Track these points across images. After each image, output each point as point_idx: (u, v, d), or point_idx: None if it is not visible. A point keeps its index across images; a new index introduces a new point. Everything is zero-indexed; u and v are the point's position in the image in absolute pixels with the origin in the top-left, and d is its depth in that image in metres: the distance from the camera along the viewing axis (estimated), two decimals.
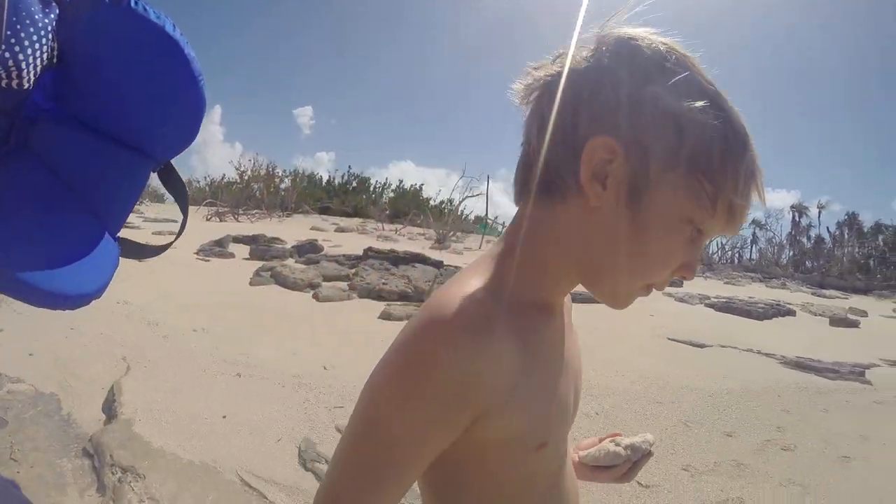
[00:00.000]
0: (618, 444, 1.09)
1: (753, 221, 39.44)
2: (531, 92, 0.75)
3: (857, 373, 8.06)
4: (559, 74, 0.71)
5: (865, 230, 41.40)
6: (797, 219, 43.14)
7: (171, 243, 0.84)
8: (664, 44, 0.70)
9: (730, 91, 0.70)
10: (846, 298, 24.78)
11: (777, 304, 14.80)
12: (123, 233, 0.77)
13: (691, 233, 0.72)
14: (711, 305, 13.26)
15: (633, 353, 6.98)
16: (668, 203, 0.70)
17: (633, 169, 0.68)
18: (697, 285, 18.42)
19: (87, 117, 0.70)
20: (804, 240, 42.34)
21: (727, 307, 13.14)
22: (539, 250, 0.75)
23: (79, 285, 0.66)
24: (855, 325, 14.49)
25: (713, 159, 0.68)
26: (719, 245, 37.45)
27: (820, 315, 15.46)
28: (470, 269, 0.76)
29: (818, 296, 24.47)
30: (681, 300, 13.67)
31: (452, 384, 0.65)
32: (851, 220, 42.46)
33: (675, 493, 3.65)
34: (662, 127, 0.67)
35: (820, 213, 43.49)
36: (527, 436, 0.75)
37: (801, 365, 8.15)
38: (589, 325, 8.27)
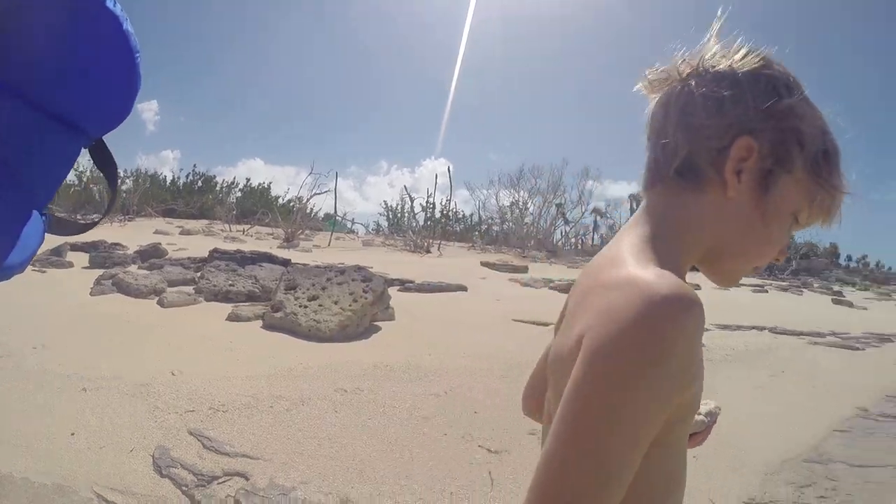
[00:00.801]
0: (699, 413, 1.17)
1: (594, 210, 41.80)
2: (665, 91, 0.87)
3: None
4: (692, 77, 0.83)
5: None
6: (634, 206, 46.29)
7: (99, 221, 0.86)
8: (780, 64, 0.84)
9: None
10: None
11: None
12: None
13: (792, 223, 0.86)
14: (555, 288, 13.94)
15: (480, 336, 7.34)
16: (786, 198, 0.83)
17: (765, 167, 0.81)
18: (543, 271, 19.26)
19: (19, 87, 0.69)
20: None
21: (570, 288, 13.88)
22: (679, 233, 0.83)
23: (2, 258, 0.67)
24: None
25: (822, 166, 0.82)
26: (563, 234, 39.39)
27: None
28: (624, 250, 0.80)
29: None
30: (526, 285, 14.30)
31: (688, 354, 0.68)
32: None
33: (524, 456, 3.94)
34: (793, 135, 0.80)
35: None
36: (698, 401, 0.80)
37: None
38: (441, 315, 8.58)
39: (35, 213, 0.73)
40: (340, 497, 3.22)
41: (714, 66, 0.82)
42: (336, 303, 6.70)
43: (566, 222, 39.52)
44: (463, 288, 11.62)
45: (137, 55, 0.74)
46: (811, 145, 0.80)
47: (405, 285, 10.91)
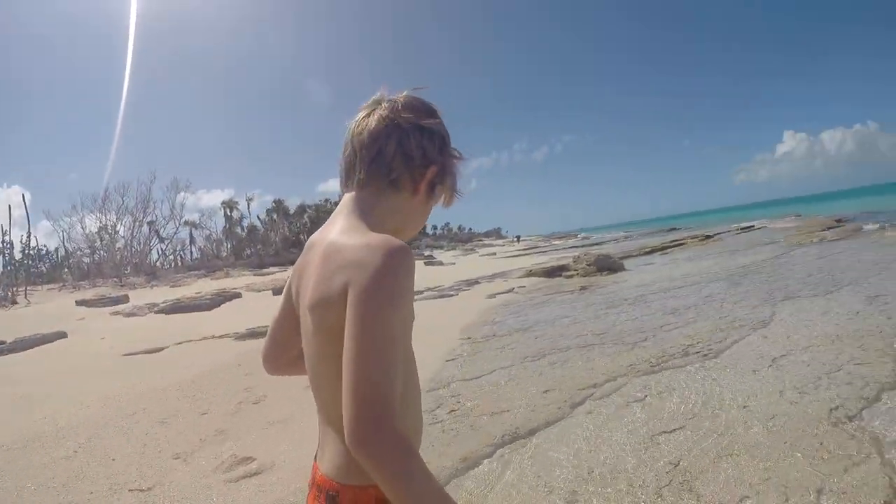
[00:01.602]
0: None
1: (187, 223, 41.03)
2: (378, 126, 1.26)
3: None
4: (404, 123, 1.27)
5: (292, 212, 47.69)
6: (229, 213, 46.28)
7: None
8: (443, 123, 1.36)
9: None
10: (284, 270, 27.98)
11: (223, 293, 16.09)
12: None
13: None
14: (161, 311, 13.68)
15: (95, 381, 7.01)
16: (439, 198, 1.35)
17: (435, 182, 1.30)
18: (146, 296, 18.61)
19: None
20: (239, 230, 45.81)
21: (176, 308, 13.75)
22: (384, 215, 1.26)
23: None
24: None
25: (453, 183, 1.35)
26: (160, 252, 38.01)
27: (263, 290, 17.43)
28: (356, 223, 1.22)
29: (260, 275, 27.04)
30: (130, 314, 13.73)
31: (413, 278, 1.11)
32: (278, 206, 48.15)
33: (176, 483, 3.98)
34: (449, 166, 1.32)
35: (249, 204, 47.46)
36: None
37: (253, 334, 9.52)
38: (43, 371, 8.06)
39: None
40: None
41: (418, 120, 1.29)
42: None
43: (161, 240, 38.20)
44: (62, 335, 10.76)
45: None
46: (454, 171, 1.36)
47: None
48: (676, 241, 26.15)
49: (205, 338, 9.71)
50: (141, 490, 3.92)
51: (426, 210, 1.37)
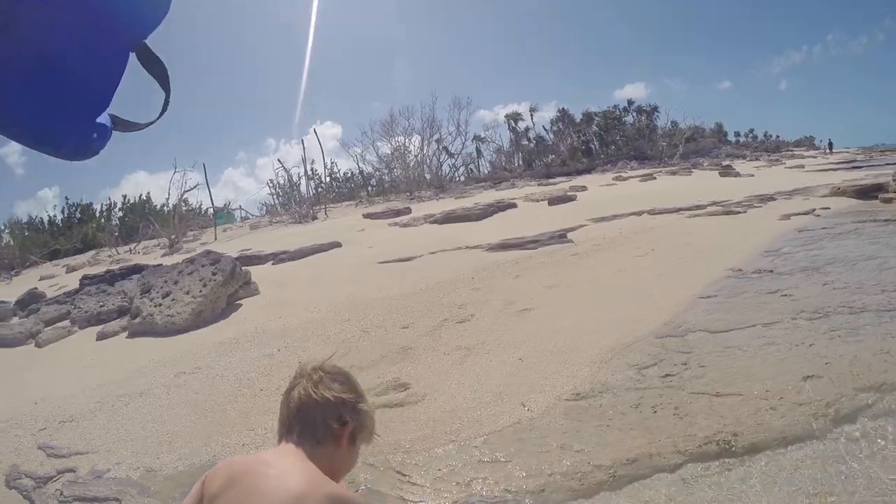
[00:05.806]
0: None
1: (475, 137, 42.13)
2: (310, 399, 1.62)
3: (559, 236, 9.45)
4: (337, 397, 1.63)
5: (578, 120, 46.62)
6: (514, 125, 46.33)
7: (157, 119, 0.95)
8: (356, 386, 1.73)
9: None
10: (569, 180, 27.69)
11: (498, 203, 16.31)
12: None
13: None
14: (435, 221, 14.50)
15: (338, 288, 7.62)
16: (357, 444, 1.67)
17: (353, 434, 1.62)
18: (429, 208, 19.56)
19: None
20: (526, 142, 45.88)
21: (448, 218, 14.37)
22: (318, 463, 1.54)
23: (86, 141, 0.82)
24: (571, 199, 16.45)
25: (371, 431, 1.70)
26: (451, 166, 39.75)
27: (541, 200, 17.26)
28: (307, 465, 1.50)
29: (544, 184, 27.10)
30: (406, 225, 14.72)
31: None
32: (563, 115, 47.23)
33: None
34: (367, 422, 1.67)
35: (532, 115, 46.99)
36: None
37: (504, 245, 9.37)
38: (307, 277, 8.86)
39: (105, 114, 0.85)
40: (146, 469, 3.57)
41: (337, 394, 1.63)
42: (188, 293, 6.93)
43: (450, 155, 39.86)
44: (337, 245, 11.85)
45: None
46: (369, 426, 1.67)
47: (279, 257, 11.09)
48: None
49: (459, 248, 9.88)
50: None
51: (352, 453, 1.68)
